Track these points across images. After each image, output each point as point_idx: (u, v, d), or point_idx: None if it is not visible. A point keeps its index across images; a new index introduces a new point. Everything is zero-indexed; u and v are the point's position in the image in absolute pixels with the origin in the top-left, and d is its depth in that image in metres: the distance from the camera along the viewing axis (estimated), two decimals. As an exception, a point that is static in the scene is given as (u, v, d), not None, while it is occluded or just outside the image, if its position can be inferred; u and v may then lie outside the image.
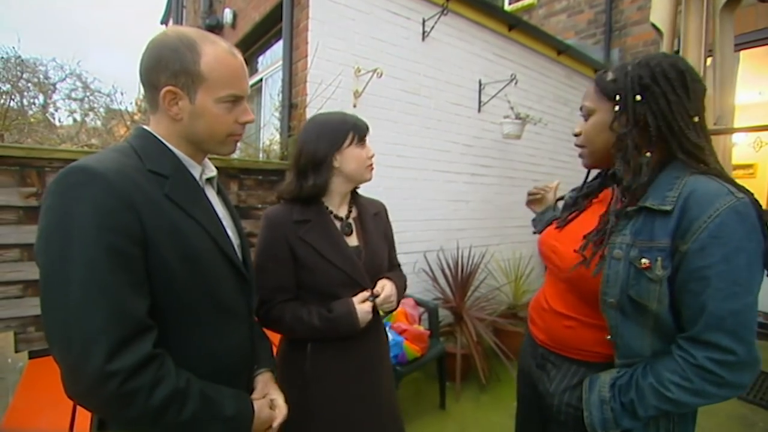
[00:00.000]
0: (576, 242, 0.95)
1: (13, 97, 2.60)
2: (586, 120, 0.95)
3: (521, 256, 3.83)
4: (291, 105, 2.57)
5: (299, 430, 1.06)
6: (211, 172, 0.90)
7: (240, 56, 0.81)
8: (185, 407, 0.67)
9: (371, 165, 1.18)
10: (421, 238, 3.14)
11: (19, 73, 2.65)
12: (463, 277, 3.06)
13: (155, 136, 0.78)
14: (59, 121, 2.98)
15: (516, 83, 3.44)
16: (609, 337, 0.88)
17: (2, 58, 2.56)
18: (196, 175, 0.82)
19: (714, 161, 0.83)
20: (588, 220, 0.98)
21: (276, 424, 0.87)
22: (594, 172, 1.07)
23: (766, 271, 0.77)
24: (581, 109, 0.96)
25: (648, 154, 0.84)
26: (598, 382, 0.87)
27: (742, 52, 3.88)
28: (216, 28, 4.42)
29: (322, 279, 1.12)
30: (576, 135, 0.98)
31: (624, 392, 0.82)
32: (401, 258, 3.29)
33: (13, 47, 2.59)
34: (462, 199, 3.45)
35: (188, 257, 0.73)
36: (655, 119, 0.82)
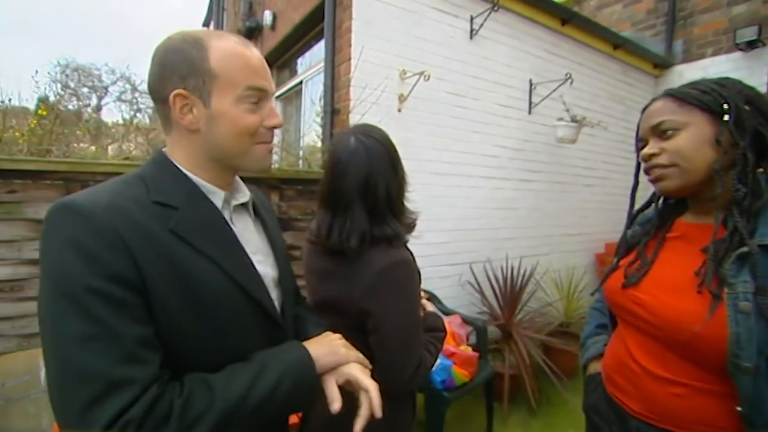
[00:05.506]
0: (668, 291, 0.81)
1: (70, 100, 2.68)
2: (665, 137, 0.81)
3: (574, 267, 3.58)
4: (333, 111, 2.46)
5: None
6: (244, 197, 0.78)
7: (255, 49, 0.70)
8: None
9: None
10: (466, 248, 2.97)
11: (75, 79, 2.74)
12: (513, 291, 2.86)
13: (171, 161, 0.69)
14: (117, 120, 3.11)
15: (571, 83, 3.19)
16: (739, 408, 0.72)
17: (62, 65, 2.68)
18: (218, 203, 0.71)
19: None
20: (674, 262, 0.84)
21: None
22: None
23: None
24: (656, 126, 0.82)
25: (761, 170, 0.76)
26: None
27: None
28: (256, 30, 4.40)
29: None
30: (651, 156, 0.83)
31: None
32: (447, 270, 3.11)
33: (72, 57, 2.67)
34: (510, 207, 3.24)
35: (200, 304, 0.62)
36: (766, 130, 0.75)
